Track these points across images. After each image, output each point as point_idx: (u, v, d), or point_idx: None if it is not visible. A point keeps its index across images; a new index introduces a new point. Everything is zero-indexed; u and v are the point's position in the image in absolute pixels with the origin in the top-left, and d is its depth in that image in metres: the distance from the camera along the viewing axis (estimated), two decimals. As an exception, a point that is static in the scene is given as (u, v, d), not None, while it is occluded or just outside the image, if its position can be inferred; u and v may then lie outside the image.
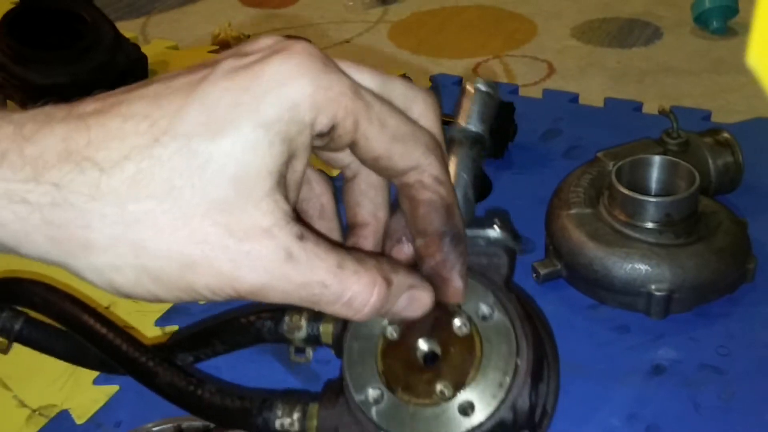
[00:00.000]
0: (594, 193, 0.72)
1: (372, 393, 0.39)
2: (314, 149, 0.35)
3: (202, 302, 0.34)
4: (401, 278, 0.35)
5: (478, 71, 1.13)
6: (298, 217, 0.33)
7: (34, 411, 0.61)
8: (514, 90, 1.04)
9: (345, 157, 0.38)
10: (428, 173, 0.36)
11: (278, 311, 0.46)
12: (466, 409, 0.38)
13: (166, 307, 0.70)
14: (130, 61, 1.04)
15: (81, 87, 0.98)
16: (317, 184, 0.40)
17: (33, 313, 0.49)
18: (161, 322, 0.69)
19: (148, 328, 0.69)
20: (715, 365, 0.63)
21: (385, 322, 0.40)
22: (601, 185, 0.72)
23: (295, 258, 0.32)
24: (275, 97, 0.32)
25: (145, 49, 1.07)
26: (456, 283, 0.38)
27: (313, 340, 0.45)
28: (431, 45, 1.22)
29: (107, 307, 0.70)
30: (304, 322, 0.46)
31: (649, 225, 0.67)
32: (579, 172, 0.75)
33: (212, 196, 0.31)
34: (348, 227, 0.41)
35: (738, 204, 0.77)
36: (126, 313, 0.70)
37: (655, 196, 0.70)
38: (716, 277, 0.67)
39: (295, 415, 0.43)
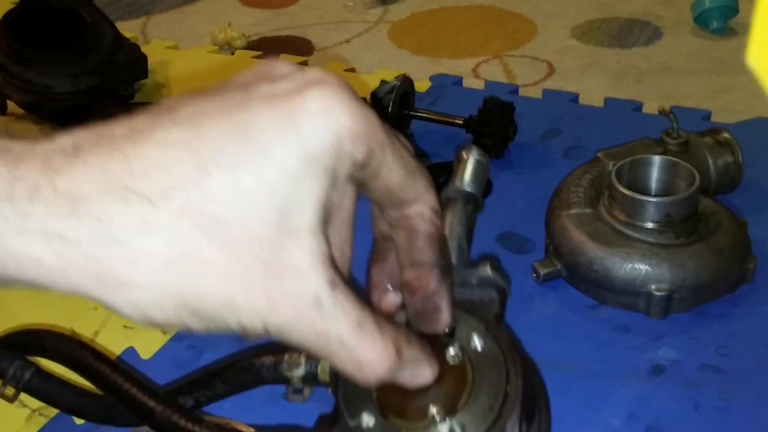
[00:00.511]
0: (594, 193, 0.72)
1: (366, 419, 0.40)
2: None
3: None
4: (413, 352, 0.36)
5: (478, 71, 1.13)
6: (333, 260, 0.33)
7: (34, 411, 0.61)
8: (514, 90, 1.04)
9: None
10: (429, 205, 0.37)
11: (279, 352, 0.48)
12: None
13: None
14: (130, 61, 1.04)
15: (81, 87, 0.98)
16: None
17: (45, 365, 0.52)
18: (161, 322, 0.69)
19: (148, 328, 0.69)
20: (715, 365, 0.63)
21: None
22: (601, 185, 0.72)
23: (323, 305, 0.32)
24: (319, 128, 0.31)
25: (145, 49, 1.07)
26: (446, 312, 0.39)
27: (311, 378, 0.47)
28: (431, 45, 1.22)
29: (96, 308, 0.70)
30: (302, 360, 0.48)
31: (649, 225, 0.67)
32: (579, 172, 0.75)
33: (256, 230, 0.31)
34: (405, 287, 0.41)
35: (738, 204, 0.77)
36: (126, 313, 0.70)
37: (655, 196, 0.70)
38: (716, 277, 0.67)
39: None
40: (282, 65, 0.34)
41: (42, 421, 0.60)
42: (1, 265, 0.29)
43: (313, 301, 0.32)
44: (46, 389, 0.50)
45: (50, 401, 0.51)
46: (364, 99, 0.35)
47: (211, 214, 0.30)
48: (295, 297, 0.32)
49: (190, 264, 0.30)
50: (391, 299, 0.41)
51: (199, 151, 0.30)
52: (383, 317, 0.36)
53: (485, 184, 0.47)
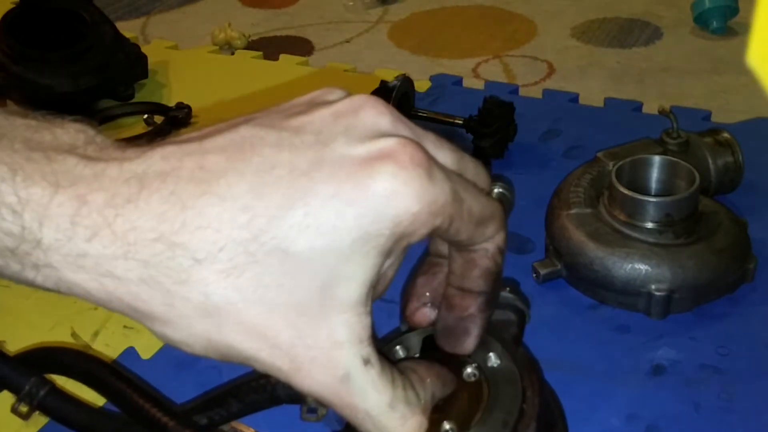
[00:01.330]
0: (594, 193, 0.72)
1: None
2: None
3: None
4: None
5: (478, 71, 1.13)
6: (373, 334, 0.34)
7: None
8: (514, 90, 1.04)
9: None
10: (495, 244, 0.37)
11: None
12: None
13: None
14: (130, 61, 1.04)
15: (81, 87, 0.98)
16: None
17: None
18: (161, 322, 0.69)
19: (148, 328, 0.69)
20: (715, 365, 0.63)
21: None
22: (601, 185, 0.72)
23: (352, 381, 0.33)
24: (380, 212, 0.31)
25: (145, 49, 1.07)
26: (473, 338, 0.39)
27: None
28: (431, 45, 1.22)
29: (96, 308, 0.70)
30: None
31: (649, 225, 0.67)
32: (579, 172, 0.75)
33: (297, 298, 0.32)
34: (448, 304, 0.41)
35: (738, 204, 0.77)
36: (126, 313, 0.70)
37: (655, 196, 0.70)
38: (716, 277, 0.67)
39: None
40: (370, 114, 0.34)
41: (42, 421, 0.60)
42: (55, 286, 0.32)
43: (342, 374, 0.33)
44: (61, 408, 0.49)
45: (64, 420, 0.50)
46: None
47: (253, 276, 0.31)
48: (324, 368, 0.33)
49: (222, 318, 0.32)
50: (425, 314, 0.41)
51: (255, 214, 0.31)
52: (419, 378, 0.36)
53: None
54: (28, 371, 0.48)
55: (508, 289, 0.45)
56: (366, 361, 0.33)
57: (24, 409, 0.48)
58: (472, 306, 0.39)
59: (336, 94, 0.36)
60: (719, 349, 0.64)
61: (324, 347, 0.32)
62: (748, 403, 0.60)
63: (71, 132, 0.33)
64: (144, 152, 0.32)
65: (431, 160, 0.33)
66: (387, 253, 0.32)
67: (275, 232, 0.31)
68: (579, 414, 0.58)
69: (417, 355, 0.43)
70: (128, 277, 0.31)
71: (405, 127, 0.35)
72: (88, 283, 0.32)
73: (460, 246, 0.37)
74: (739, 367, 0.63)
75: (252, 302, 0.31)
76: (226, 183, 0.31)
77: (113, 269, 0.31)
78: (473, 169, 0.37)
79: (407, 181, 0.32)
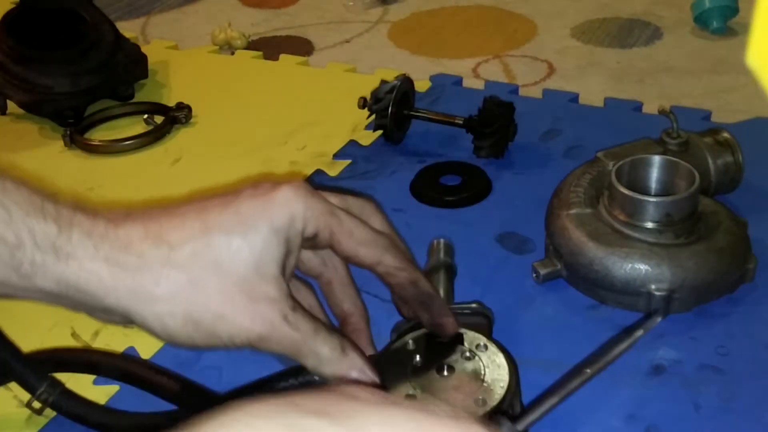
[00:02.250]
0: (594, 193, 0.72)
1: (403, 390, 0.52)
2: (303, 251, 0.52)
3: (220, 349, 0.47)
4: (354, 355, 0.49)
5: (478, 71, 1.13)
6: (291, 294, 0.48)
7: (34, 411, 0.61)
8: (514, 90, 1.04)
9: (318, 267, 0.54)
10: (390, 265, 0.51)
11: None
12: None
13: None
14: (130, 61, 1.04)
15: (81, 87, 0.98)
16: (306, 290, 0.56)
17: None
18: (161, 322, 0.69)
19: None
20: (715, 365, 0.63)
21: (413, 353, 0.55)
22: (601, 185, 0.73)
23: (289, 320, 0.47)
24: (283, 213, 0.47)
25: (145, 49, 1.07)
26: (449, 324, 0.55)
27: None
28: (431, 45, 1.22)
29: (107, 307, 0.70)
30: None
31: (649, 225, 0.67)
32: (579, 172, 0.75)
33: (241, 273, 0.46)
34: (340, 321, 0.56)
35: (738, 204, 0.77)
36: (126, 313, 0.70)
37: (655, 196, 0.70)
38: (716, 277, 0.67)
39: None
40: (266, 183, 0.49)
41: (42, 421, 0.60)
42: (76, 277, 0.45)
43: (282, 317, 0.47)
44: (72, 407, 0.56)
45: (75, 418, 0.57)
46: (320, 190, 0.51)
47: (210, 258, 0.46)
48: (270, 316, 0.47)
49: (195, 287, 0.46)
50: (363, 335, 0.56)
51: (206, 220, 0.47)
52: (334, 330, 0.50)
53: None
54: (43, 372, 0.57)
55: (476, 302, 0.62)
56: (294, 308, 0.47)
57: (37, 405, 0.56)
58: (421, 310, 0.54)
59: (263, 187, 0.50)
60: (719, 349, 0.64)
61: (266, 303, 0.46)
62: (748, 403, 0.60)
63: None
64: (124, 211, 0.48)
65: (314, 190, 0.49)
66: (289, 242, 0.48)
67: (220, 228, 0.47)
68: (579, 414, 0.59)
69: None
70: (128, 265, 0.46)
71: None
72: (101, 271, 0.45)
73: (362, 266, 0.51)
74: (739, 367, 0.63)
75: (212, 275, 0.46)
76: (181, 214, 0.48)
77: (118, 260, 0.45)
78: (358, 206, 0.52)
79: (296, 193, 0.48)
